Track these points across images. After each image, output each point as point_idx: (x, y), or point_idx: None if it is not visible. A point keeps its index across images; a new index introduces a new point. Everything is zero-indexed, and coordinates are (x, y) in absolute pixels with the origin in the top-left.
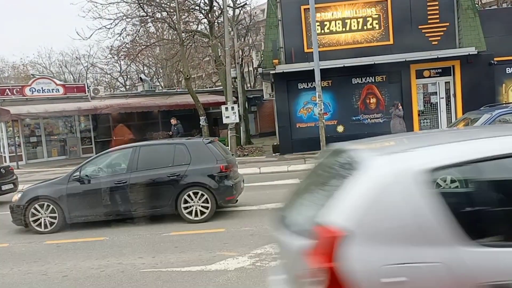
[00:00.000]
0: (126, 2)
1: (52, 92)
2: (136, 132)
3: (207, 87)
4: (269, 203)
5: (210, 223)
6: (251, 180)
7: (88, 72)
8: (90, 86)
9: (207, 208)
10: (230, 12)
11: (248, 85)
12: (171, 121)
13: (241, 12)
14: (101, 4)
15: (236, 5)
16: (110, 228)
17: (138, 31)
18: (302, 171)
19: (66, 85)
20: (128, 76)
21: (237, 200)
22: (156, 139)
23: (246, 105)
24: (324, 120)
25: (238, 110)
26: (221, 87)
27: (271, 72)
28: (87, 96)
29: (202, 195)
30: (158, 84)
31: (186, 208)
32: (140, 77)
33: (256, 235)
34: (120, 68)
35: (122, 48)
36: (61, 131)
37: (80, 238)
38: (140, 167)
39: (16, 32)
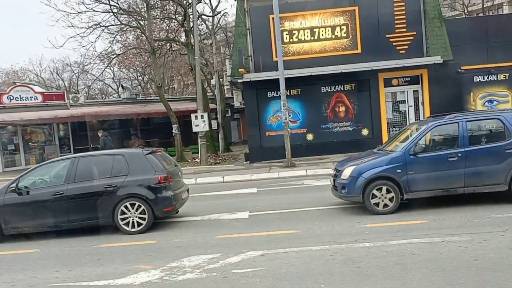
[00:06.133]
0: (95, 11)
1: (31, 100)
2: (115, 140)
3: (188, 95)
4: (214, 213)
5: (146, 235)
6: (210, 189)
7: (80, 79)
8: (69, 94)
9: (144, 219)
10: (211, 20)
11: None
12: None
13: (221, 20)
14: (70, 13)
15: (215, 12)
16: (45, 240)
17: (114, 39)
18: (263, 180)
19: (45, 93)
20: (121, 83)
21: (177, 211)
22: (132, 147)
23: (229, 112)
24: (289, 129)
25: (216, 118)
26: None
27: (239, 80)
28: (66, 104)
29: (139, 206)
30: (143, 91)
31: (123, 219)
32: (122, 85)
33: (182, 247)
34: (114, 74)
35: (106, 55)
36: (40, 138)
37: (12, 250)
38: (77, 178)
39: (7, 38)
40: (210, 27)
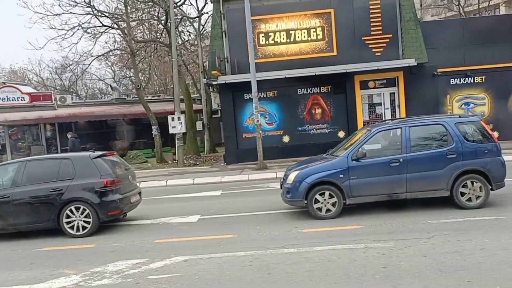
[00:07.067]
0: (73, 13)
1: (18, 100)
2: (101, 141)
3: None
4: (166, 216)
5: (89, 238)
6: (176, 191)
7: (80, 79)
8: (56, 94)
9: (88, 223)
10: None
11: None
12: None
13: (208, 20)
14: (46, 15)
15: (201, 13)
16: None
17: (96, 40)
18: (232, 182)
19: (32, 94)
20: (122, 83)
21: (125, 215)
22: (116, 148)
23: (219, 113)
24: (261, 131)
25: (202, 119)
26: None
27: (214, 83)
28: (53, 104)
29: (84, 210)
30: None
31: (68, 223)
32: (111, 85)
33: (117, 251)
34: (114, 74)
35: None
36: (27, 139)
37: None
38: (24, 182)
39: (8, 37)
40: (197, 28)
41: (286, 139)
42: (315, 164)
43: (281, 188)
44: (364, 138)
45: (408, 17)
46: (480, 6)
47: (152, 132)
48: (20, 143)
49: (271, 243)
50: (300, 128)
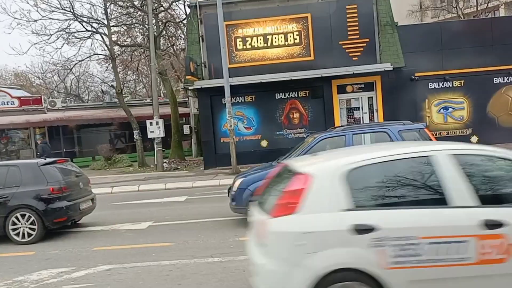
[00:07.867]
0: (52, 19)
1: (7, 104)
2: (91, 144)
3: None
4: (119, 223)
5: (33, 245)
6: (144, 197)
7: (81, 81)
8: (47, 98)
9: (34, 230)
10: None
11: None
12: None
13: None
14: (27, 20)
15: (188, 17)
16: None
17: (81, 45)
18: (202, 187)
19: (21, 98)
20: (125, 85)
21: (75, 221)
22: (103, 151)
23: None
24: (234, 136)
25: (189, 123)
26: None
27: (190, 87)
28: (43, 108)
29: (30, 217)
30: (147, 94)
31: (14, 229)
32: (102, 89)
33: (51, 259)
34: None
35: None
36: (17, 143)
37: None
38: None
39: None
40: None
41: (264, 143)
42: (260, 171)
43: (228, 195)
44: (308, 145)
45: (385, 22)
46: (479, 8)
47: (134, 136)
48: (13, 147)
49: (202, 251)
50: (278, 133)
